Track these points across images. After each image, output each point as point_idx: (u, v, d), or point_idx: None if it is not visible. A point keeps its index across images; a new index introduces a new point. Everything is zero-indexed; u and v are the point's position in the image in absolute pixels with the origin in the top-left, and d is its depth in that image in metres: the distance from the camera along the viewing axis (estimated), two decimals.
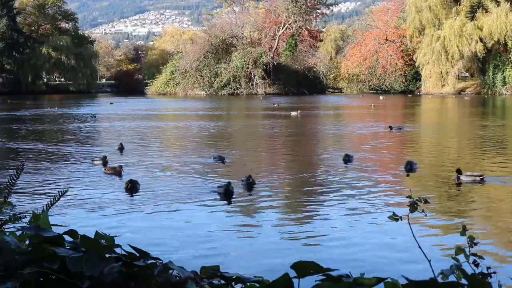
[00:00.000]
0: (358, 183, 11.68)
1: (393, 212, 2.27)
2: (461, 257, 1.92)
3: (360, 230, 8.07)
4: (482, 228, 8.21)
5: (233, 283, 1.60)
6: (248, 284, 1.55)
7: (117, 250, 1.65)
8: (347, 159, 14.42)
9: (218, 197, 10.24)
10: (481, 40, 65.11)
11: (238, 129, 27.49)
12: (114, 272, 1.53)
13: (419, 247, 2.23)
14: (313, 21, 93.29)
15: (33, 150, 17.92)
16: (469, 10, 66.56)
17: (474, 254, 2.03)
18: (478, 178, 11.39)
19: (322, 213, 9.15)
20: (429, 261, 2.07)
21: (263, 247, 7.27)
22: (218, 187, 10.58)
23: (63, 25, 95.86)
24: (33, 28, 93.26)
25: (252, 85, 77.42)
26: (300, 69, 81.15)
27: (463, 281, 1.54)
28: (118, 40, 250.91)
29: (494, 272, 1.82)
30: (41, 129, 27.45)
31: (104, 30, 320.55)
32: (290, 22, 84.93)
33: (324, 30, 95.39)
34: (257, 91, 76.52)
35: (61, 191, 2.30)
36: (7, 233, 1.75)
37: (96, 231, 1.73)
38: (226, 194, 10.23)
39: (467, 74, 76.17)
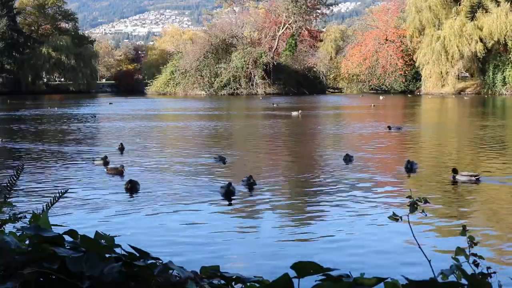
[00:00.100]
0: (359, 183, 11.68)
1: (393, 212, 2.27)
2: (461, 257, 1.92)
3: (361, 231, 8.07)
4: (482, 228, 8.21)
5: (233, 283, 1.60)
6: (248, 284, 1.55)
7: (117, 250, 1.65)
8: (348, 159, 14.43)
9: (219, 197, 10.24)
10: (481, 40, 65.13)
11: (239, 129, 27.49)
12: (114, 272, 1.53)
13: (419, 247, 2.24)
14: (313, 21, 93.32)
15: (33, 150, 17.92)
16: (469, 10, 66.57)
17: (474, 254, 2.03)
18: (473, 178, 11.42)
19: (323, 214, 9.15)
20: (429, 261, 2.07)
21: (263, 247, 7.27)
22: (221, 187, 10.57)
23: (63, 25, 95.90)
24: (33, 28, 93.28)
25: (252, 85, 77.44)
26: (300, 69, 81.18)
27: (463, 281, 1.54)
28: (118, 40, 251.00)
29: (494, 272, 1.82)
30: (41, 129, 27.45)
31: (104, 30, 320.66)
32: (290, 22, 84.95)
33: (324, 30, 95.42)
34: (257, 91, 76.54)
35: (61, 191, 2.30)
36: (7, 233, 1.75)
37: (96, 231, 1.73)
38: (227, 194, 10.22)
39: (467, 74, 76.20)
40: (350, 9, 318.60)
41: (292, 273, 1.49)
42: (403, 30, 77.91)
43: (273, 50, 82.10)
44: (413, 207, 2.27)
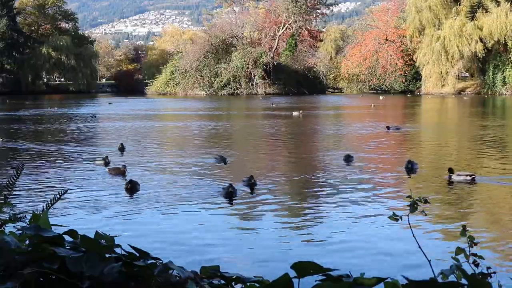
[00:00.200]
0: (359, 183, 11.68)
1: (393, 212, 2.27)
2: (461, 257, 1.92)
3: (361, 231, 8.07)
4: (483, 228, 8.21)
5: (233, 283, 1.60)
6: (248, 284, 1.55)
7: (117, 250, 1.65)
8: (348, 159, 14.43)
9: (220, 197, 10.23)
10: (481, 40, 65.14)
11: (239, 129, 27.50)
12: (114, 272, 1.53)
13: (419, 247, 2.24)
14: (313, 21, 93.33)
15: (33, 150, 17.92)
16: (469, 10, 66.57)
17: (474, 254, 2.03)
18: (469, 178, 11.44)
19: (323, 214, 9.15)
20: (429, 261, 2.08)
21: (263, 248, 7.27)
22: (223, 188, 10.54)
23: (63, 25, 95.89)
24: (33, 28, 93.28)
25: (252, 85, 77.44)
26: (300, 69, 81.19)
27: (463, 281, 1.54)
28: (118, 40, 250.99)
29: (494, 272, 1.82)
30: (41, 129, 27.45)
31: (104, 30, 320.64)
32: (290, 22, 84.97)
33: (324, 30, 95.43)
34: (257, 91, 76.54)
35: (61, 191, 2.30)
36: (7, 233, 1.75)
37: (96, 231, 1.73)
38: (228, 195, 10.21)
39: (467, 74, 76.21)
40: (350, 9, 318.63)
41: (292, 273, 1.49)
42: (403, 30, 77.93)
43: (273, 50, 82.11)
44: (413, 207, 2.27)
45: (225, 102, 58.84)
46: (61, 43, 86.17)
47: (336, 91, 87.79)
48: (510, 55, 64.62)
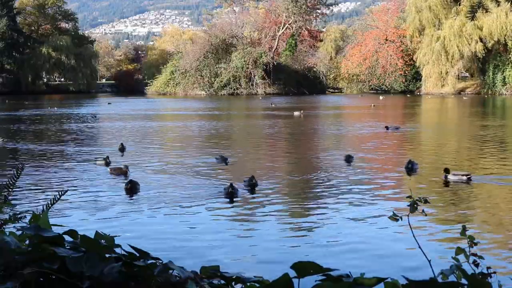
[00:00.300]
0: (360, 184, 11.68)
1: (393, 212, 2.27)
2: (461, 257, 1.92)
3: (362, 232, 8.07)
4: (483, 228, 8.21)
5: (233, 283, 1.60)
6: (248, 284, 1.55)
7: (117, 250, 1.65)
8: (349, 159, 14.44)
9: (221, 197, 10.22)
10: (481, 40, 65.15)
11: (239, 130, 27.49)
12: (114, 272, 1.53)
13: (419, 247, 2.24)
14: (313, 21, 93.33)
15: (33, 150, 17.91)
16: (469, 10, 66.57)
17: (474, 254, 2.03)
18: (464, 178, 11.44)
19: (324, 215, 9.14)
20: (429, 261, 2.08)
21: (264, 248, 7.27)
22: (224, 188, 10.53)
23: (63, 25, 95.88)
24: (33, 28, 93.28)
25: (252, 85, 77.44)
26: (300, 69, 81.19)
27: (463, 281, 1.54)
28: (118, 40, 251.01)
29: (494, 272, 1.82)
30: (41, 129, 27.45)
31: (104, 30, 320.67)
32: (290, 22, 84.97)
33: (324, 30, 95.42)
34: (257, 91, 76.54)
35: (61, 191, 2.30)
36: (7, 233, 1.75)
37: (96, 231, 1.73)
38: (229, 195, 10.20)
39: (467, 74, 76.22)
40: (350, 9, 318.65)
41: (292, 273, 1.49)
42: (403, 30, 77.94)
43: (273, 50, 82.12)
44: (413, 207, 2.27)
45: (225, 102, 58.83)
46: (61, 43, 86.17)
47: (336, 91, 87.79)
48: (510, 55, 64.62)
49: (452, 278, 1.61)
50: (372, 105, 45.00)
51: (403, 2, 79.33)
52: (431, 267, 1.97)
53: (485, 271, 1.83)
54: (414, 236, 2.34)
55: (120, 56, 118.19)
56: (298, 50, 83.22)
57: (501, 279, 1.95)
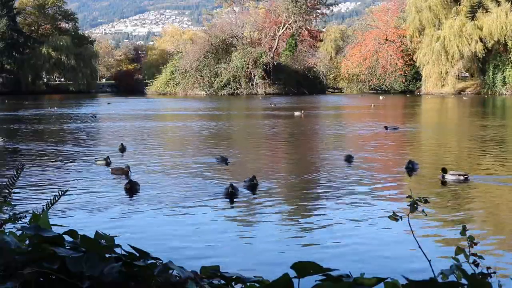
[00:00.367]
0: (360, 184, 11.69)
1: (393, 212, 2.27)
2: (461, 257, 1.92)
3: (362, 232, 8.07)
4: (483, 228, 8.21)
5: (233, 283, 1.60)
6: (248, 284, 1.55)
7: (117, 250, 1.65)
8: (349, 159, 14.44)
9: (221, 198, 10.22)
10: (481, 40, 65.14)
11: (240, 130, 27.49)
12: (114, 272, 1.53)
13: (419, 247, 2.24)
14: (313, 21, 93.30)
15: (33, 150, 17.91)
16: (469, 10, 66.56)
17: (474, 254, 2.03)
18: (462, 177, 11.45)
19: (325, 215, 9.14)
20: (429, 261, 2.07)
21: (264, 248, 7.26)
22: (225, 188, 10.52)
23: (63, 25, 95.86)
24: (33, 28, 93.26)
25: (252, 85, 77.43)
26: (300, 69, 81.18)
27: (463, 281, 1.54)
28: (118, 40, 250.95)
29: (494, 272, 1.82)
30: (41, 129, 27.44)
31: (104, 30, 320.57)
32: (290, 22, 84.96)
33: (324, 30, 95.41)
34: (257, 91, 76.54)
35: (61, 191, 2.30)
36: (7, 233, 1.75)
37: (96, 231, 1.73)
38: (229, 195, 10.19)
39: (467, 74, 76.20)
40: (350, 9, 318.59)
41: (292, 273, 1.49)
42: (403, 30, 77.92)
43: (273, 50, 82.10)
44: (413, 207, 2.27)
45: (225, 102, 58.83)
46: (61, 43, 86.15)
47: (336, 91, 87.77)
48: (510, 55, 64.61)
49: (452, 278, 1.61)
50: (372, 105, 44.99)
51: (403, 2, 79.31)
52: (431, 267, 1.97)
53: (485, 271, 1.83)
54: (414, 236, 2.34)
55: (120, 56, 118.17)
56: (298, 50, 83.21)
57: (501, 279, 1.95)
